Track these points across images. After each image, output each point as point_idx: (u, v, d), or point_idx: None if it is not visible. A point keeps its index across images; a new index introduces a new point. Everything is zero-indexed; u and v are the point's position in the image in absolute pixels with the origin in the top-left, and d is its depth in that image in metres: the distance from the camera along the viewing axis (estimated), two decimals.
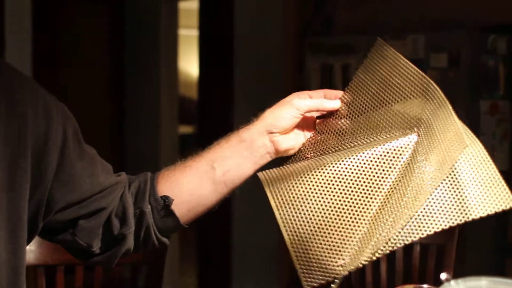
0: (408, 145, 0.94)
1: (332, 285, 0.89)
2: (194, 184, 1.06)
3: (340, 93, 1.07)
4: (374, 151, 0.94)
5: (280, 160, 1.11)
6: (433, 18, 2.59)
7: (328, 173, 0.93)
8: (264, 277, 3.44)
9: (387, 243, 0.87)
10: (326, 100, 1.06)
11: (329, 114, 1.08)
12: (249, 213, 3.35)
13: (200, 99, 3.78)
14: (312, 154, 1.08)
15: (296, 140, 1.08)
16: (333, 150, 1.04)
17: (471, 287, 0.64)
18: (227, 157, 1.05)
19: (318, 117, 1.11)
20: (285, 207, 0.91)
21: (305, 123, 1.08)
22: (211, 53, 3.60)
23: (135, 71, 4.00)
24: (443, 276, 0.66)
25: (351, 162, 0.93)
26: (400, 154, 0.94)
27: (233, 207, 3.45)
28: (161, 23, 3.84)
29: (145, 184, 1.06)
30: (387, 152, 0.94)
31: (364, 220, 0.90)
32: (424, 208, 0.85)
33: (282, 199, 0.91)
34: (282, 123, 1.05)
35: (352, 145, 1.02)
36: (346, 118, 1.06)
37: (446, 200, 0.86)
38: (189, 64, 6.51)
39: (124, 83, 4.02)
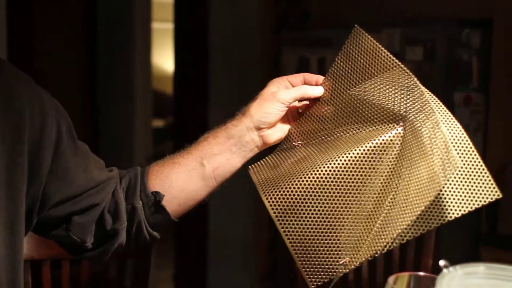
0: (395, 139, 0.96)
1: (333, 280, 0.92)
2: (184, 181, 1.07)
3: (320, 77, 1.09)
4: (363, 149, 0.95)
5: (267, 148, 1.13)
6: (409, 12, 2.63)
7: (320, 175, 0.94)
8: (239, 269, 3.46)
9: (387, 242, 0.91)
10: (309, 87, 1.08)
11: (312, 99, 1.10)
12: (225, 205, 3.36)
13: (176, 93, 3.78)
14: (299, 142, 1.09)
15: (282, 130, 1.11)
16: (319, 136, 1.07)
17: (469, 272, 0.67)
18: (216, 154, 1.07)
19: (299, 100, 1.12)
20: (283, 214, 0.93)
21: (288, 111, 1.10)
22: (186, 47, 3.59)
23: (109, 64, 3.97)
24: (442, 262, 0.68)
25: (342, 162, 0.94)
26: (389, 149, 0.96)
27: (209, 199, 3.46)
28: (134, 16, 3.82)
29: (136, 179, 1.07)
30: (376, 149, 0.95)
31: (360, 218, 0.93)
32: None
33: (280, 207, 0.93)
34: (269, 119, 1.07)
35: (337, 134, 1.04)
36: (328, 104, 1.07)
37: (440, 198, 0.90)
38: (162, 57, 6.49)
39: (97, 77, 3.99)
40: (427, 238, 1.81)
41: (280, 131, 1.10)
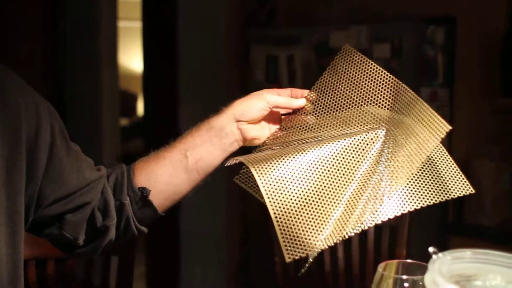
0: (377, 136, 1.02)
1: (309, 258, 0.96)
2: (168, 174, 1.11)
3: (305, 92, 1.14)
4: (347, 141, 1.02)
5: (244, 151, 1.16)
6: (375, 10, 2.70)
7: (308, 157, 0.99)
8: (212, 264, 3.49)
9: (364, 220, 0.96)
10: (294, 99, 1.13)
11: (294, 111, 1.15)
12: (197, 201, 3.38)
13: (145, 90, 3.78)
14: (277, 147, 1.14)
15: (261, 131, 1.15)
16: (298, 143, 1.12)
17: (457, 257, 0.72)
18: (198, 145, 1.11)
19: (283, 114, 1.18)
20: (270, 185, 0.96)
21: (271, 117, 1.15)
22: (154, 45, 3.60)
23: (75, 64, 3.95)
24: (431, 249, 0.73)
25: (328, 149, 1.01)
26: (372, 143, 1.02)
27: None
28: (101, 15, 3.80)
29: (122, 176, 1.10)
30: (359, 142, 1.02)
31: (341, 200, 0.98)
32: (405, 187, 0.94)
33: (268, 178, 0.96)
34: (251, 113, 1.11)
35: (318, 138, 1.09)
36: (311, 115, 1.13)
37: (426, 180, 0.96)
38: (128, 56, 6.46)
39: (63, 77, 3.96)
40: (400, 229, 1.87)
41: (259, 131, 1.14)
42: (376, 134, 1.02)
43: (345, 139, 1.02)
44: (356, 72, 1.10)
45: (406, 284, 0.83)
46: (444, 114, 2.59)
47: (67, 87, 3.96)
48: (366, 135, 1.02)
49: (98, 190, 1.07)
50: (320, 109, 1.13)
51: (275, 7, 3.22)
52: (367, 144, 1.01)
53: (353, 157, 1.00)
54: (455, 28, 2.54)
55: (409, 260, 0.85)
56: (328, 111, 1.12)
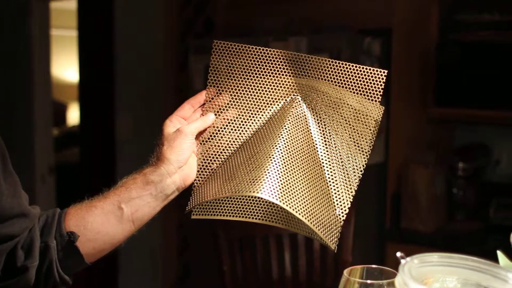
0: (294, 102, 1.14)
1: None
2: (100, 223, 1.08)
3: (201, 95, 1.17)
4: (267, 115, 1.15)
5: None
6: (314, 21, 2.75)
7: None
8: (150, 277, 3.46)
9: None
10: (204, 116, 1.15)
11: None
12: None
13: (81, 99, 3.71)
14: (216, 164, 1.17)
15: (195, 164, 1.16)
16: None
17: (424, 261, 0.75)
18: (134, 197, 1.10)
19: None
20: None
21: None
22: (91, 53, 3.54)
23: (6, 74, 3.84)
24: (399, 254, 0.76)
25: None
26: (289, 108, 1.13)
27: None
28: (32, 23, 3.72)
29: (53, 219, 1.07)
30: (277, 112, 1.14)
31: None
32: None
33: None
34: (185, 154, 1.12)
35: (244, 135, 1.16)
36: (219, 118, 1.16)
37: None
38: (60, 65, 6.32)
39: None
40: (345, 237, 1.92)
41: (194, 165, 1.15)
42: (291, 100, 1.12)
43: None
44: (238, 59, 1.16)
45: None
46: (381, 122, 2.66)
47: None
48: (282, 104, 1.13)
49: (27, 225, 1.03)
50: (227, 107, 1.16)
51: (213, 18, 3.23)
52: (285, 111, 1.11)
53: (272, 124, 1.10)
54: (390, 39, 2.62)
55: (373, 266, 0.88)
56: (237, 105, 1.16)
